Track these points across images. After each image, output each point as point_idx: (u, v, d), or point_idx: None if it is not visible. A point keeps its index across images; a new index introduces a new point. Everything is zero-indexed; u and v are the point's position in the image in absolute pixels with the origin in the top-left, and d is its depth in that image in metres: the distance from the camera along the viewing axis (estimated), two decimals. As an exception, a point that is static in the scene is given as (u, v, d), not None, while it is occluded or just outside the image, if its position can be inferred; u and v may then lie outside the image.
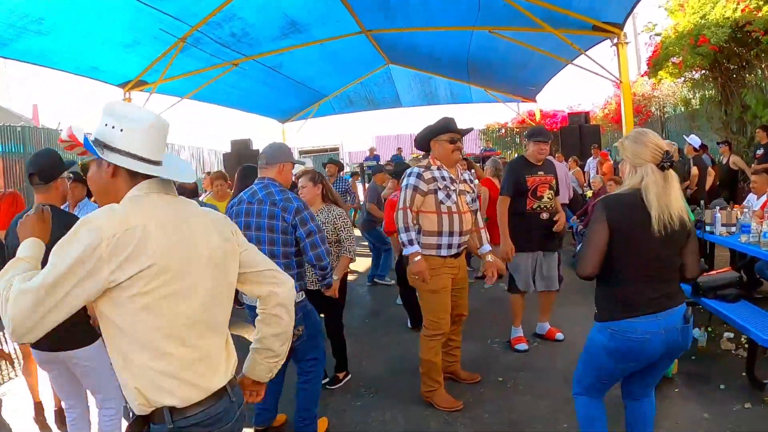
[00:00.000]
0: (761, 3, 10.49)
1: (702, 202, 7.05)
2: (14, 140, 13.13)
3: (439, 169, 4.45)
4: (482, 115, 66.63)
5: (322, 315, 4.93)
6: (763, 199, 6.59)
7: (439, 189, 4.36)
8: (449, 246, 4.41)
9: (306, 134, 34.54)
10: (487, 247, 4.78)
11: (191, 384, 1.80)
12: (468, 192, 4.59)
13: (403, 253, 4.45)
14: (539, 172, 5.52)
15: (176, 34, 10.23)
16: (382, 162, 16.05)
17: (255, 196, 3.86)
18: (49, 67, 10.38)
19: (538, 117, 21.14)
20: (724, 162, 11.14)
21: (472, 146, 27.57)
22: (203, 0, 9.19)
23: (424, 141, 4.59)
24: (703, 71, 13.51)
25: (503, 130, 26.39)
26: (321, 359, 4.19)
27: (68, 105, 71.46)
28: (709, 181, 9.85)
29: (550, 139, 5.71)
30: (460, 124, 4.52)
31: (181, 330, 1.79)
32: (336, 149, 24.21)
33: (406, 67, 16.17)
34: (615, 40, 10.10)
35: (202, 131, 72.69)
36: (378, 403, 4.73)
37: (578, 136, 14.93)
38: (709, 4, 11.80)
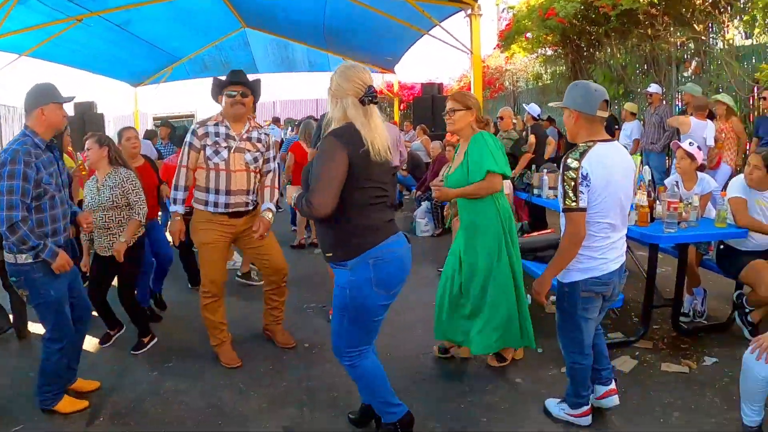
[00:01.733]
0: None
1: (534, 166, 7.54)
2: None
3: (217, 124, 4.47)
4: (344, 85, 66.34)
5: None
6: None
7: (208, 145, 4.38)
8: (215, 204, 4.44)
9: (161, 100, 33.03)
10: (266, 204, 4.71)
11: None
12: (249, 151, 4.52)
13: (169, 210, 4.59)
14: None
15: (11, -17, 9.44)
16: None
17: None
18: None
19: (396, 88, 21.52)
20: (569, 134, 11.87)
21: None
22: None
23: (215, 96, 4.56)
24: (556, 49, 14.28)
25: (361, 100, 26.44)
26: (54, 339, 3.76)
27: None
28: (549, 150, 10.48)
29: None
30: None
31: None
32: (191, 116, 23.34)
33: (262, 32, 15.79)
34: (469, 12, 10.33)
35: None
36: (176, 373, 4.58)
37: (430, 106, 15.34)
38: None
